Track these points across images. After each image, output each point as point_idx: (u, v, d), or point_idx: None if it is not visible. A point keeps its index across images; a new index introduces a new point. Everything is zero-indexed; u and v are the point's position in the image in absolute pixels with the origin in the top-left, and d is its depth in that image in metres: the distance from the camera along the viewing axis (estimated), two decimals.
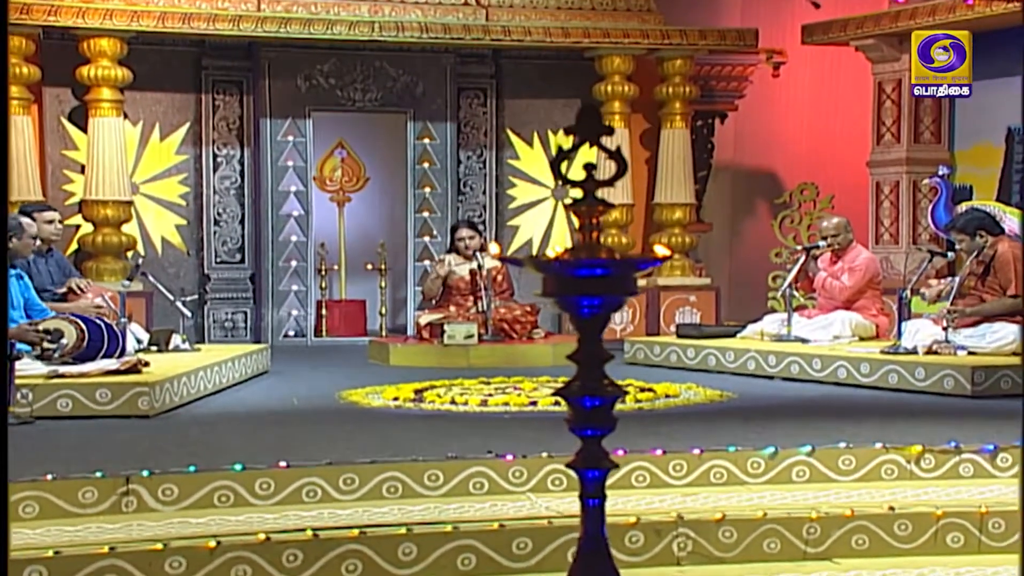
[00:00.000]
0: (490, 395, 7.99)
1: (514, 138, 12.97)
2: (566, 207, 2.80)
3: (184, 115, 12.46)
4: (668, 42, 12.31)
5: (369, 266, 12.97)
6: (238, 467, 5.50)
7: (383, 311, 12.78)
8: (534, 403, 7.67)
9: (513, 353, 10.23)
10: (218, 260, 12.50)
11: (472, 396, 7.92)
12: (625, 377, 8.98)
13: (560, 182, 2.78)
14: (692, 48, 12.43)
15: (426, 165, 12.60)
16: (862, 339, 9.80)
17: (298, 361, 10.60)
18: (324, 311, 12.55)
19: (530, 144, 12.99)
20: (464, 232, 11.03)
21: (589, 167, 2.56)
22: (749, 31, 12.55)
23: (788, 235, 12.43)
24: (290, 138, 12.36)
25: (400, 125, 12.67)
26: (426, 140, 12.59)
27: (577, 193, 2.64)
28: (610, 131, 2.55)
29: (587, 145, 2.70)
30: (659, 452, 5.92)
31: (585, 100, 12.86)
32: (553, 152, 12.14)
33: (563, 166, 2.69)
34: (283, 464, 5.56)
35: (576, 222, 2.65)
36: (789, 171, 13.69)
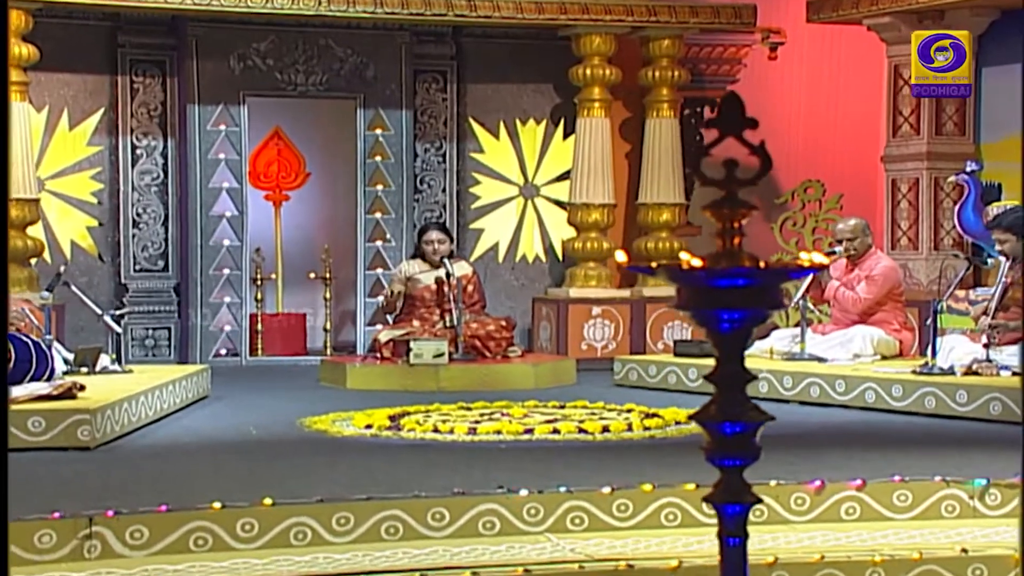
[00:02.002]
0: (477, 422, 8.03)
1: (478, 128, 13.00)
2: (705, 208, 2.83)
3: (97, 100, 12.36)
4: (655, 19, 12.38)
5: (312, 275, 12.93)
6: (217, 504, 5.49)
7: (328, 326, 12.75)
8: (530, 431, 7.74)
9: (489, 374, 10.28)
10: (137, 268, 12.42)
11: (457, 423, 7.94)
12: (623, 401, 9.05)
13: (699, 182, 2.81)
14: (682, 27, 12.51)
15: (378, 159, 12.60)
16: (884, 357, 9.92)
17: (237, 384, 10.58)
18: (260, 326, 12.50)
19: (496, 135, 13.03)
20: (433, 235, 11.05)
21: (731, 164, 2.59)
22: (746, 7, 12.66)
23: (790, 240, 12.52)
24: (221, 127, 12.31)
25: (348, 113, 12.66)
26: (378, 130, 12.59)
27: (718, 193, 2.66)
28: (755, 124, 2.59)
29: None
30: (692, 486, 5.96)
31: (560, 85, 12.93)
32: (523, 145, 12.11)
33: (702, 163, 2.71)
34: (267, 502, 5.55)
35: (717, 225, 2.67)
36: (786, 167, 13.75)
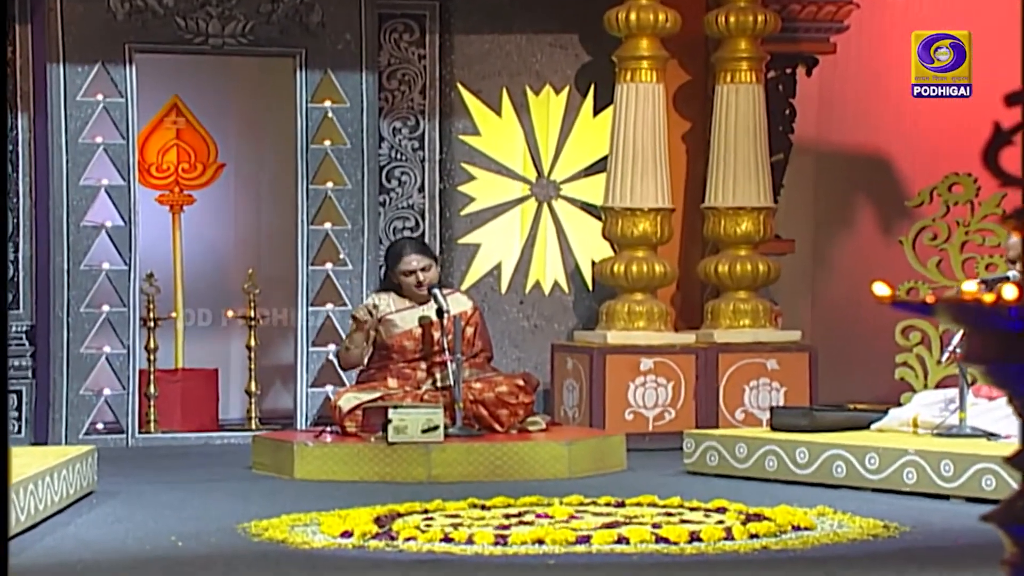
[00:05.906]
0: (504, 527, 8.06)
1: (470, 99, 13.01)
2: (1007, 218, 2.76)
3: None
4: None
5: (229, 313, 12.91)
6: None
7: (252, 388, 12.70)
8: (585, 539, 7.76)
9: (504, 457, 10.31)
10: None
11: (475, 529, 7.95)
12: (707, 496, 9.05)
13: (1001, 180, 2.74)
14: None
15: (327, 143, 12.58)
16: None
17: (128, 472, 10.61)
18: (153, 388, 12.43)
19: (497, 110, 13.05)
20: (413, 260, 11.04)
21: None
22: None
23: (929, 260, 12.51)
24: (98, 97, 12.29)
25: (284, 77, 12.71)
26: (327, 102, 12.58)
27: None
28: None
29: None
30: None
31: (589, 36, 12.95)
32: (535, 124, 12.16)
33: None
34: None
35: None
36: (917, 154, 13.81)
